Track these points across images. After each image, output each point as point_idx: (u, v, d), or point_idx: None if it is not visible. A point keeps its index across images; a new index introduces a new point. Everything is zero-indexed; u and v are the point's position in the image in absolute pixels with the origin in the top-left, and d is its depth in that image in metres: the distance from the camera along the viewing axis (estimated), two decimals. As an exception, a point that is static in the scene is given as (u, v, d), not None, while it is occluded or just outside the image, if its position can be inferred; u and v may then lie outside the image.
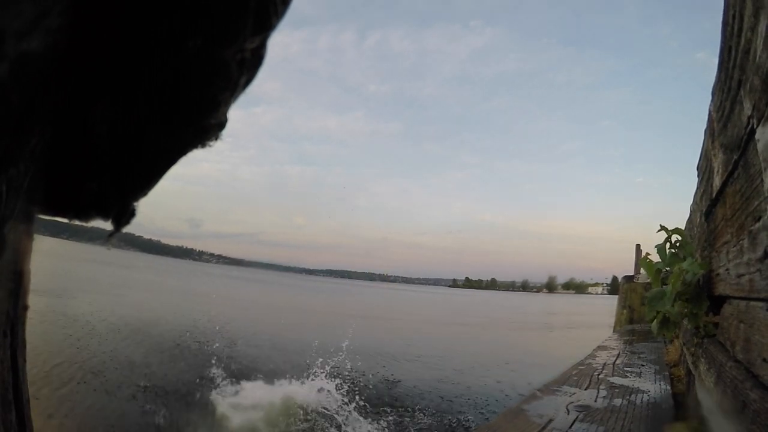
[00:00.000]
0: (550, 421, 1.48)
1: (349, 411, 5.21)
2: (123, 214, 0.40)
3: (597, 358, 2.94)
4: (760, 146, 0.79)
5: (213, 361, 6.73)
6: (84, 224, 0.41)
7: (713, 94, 1.36)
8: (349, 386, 6.10)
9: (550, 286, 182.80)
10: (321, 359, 7.91)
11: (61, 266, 22.01)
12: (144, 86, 0.34)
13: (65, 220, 0.40)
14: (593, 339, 5.47)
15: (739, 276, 0.96)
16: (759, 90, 0.77)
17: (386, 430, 4.81)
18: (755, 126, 0.81)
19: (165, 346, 7.67)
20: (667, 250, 1.78)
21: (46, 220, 0.39)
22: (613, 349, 3.55)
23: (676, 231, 1.78)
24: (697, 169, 2.10)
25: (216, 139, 0.41)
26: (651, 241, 1.92)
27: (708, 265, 1.43)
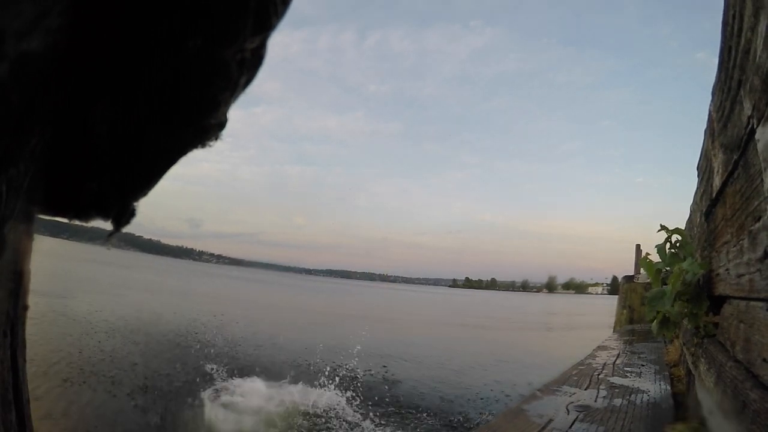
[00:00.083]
0: (550, 421, 1.48)
1: (349, 411, 5.21)
2: (123, 214, 0.40)
3: (597, 358, 2.94)
4: (760, 146, 0.79)
5: (212, 361, 6.74)
6: (84, 224, 0.41)
7: (713, 94, 1.36)
8: (349, 386, 6.10)
9: (550, 286, 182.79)
10: (321, 359, 7.91)
11: (61, 266, 22.02)
12: (144, 86, 0.34)
13: (65, 220, 0.40)
14: (593, 339, 5.47)
15: (739, 276, 0.96)
16: (759, 90, 0.77)
17: (386, 430, 4.81)
18: (755, 126, 0.81)
19: (165, 346, 7.67)
20: (668, 250, 1.78)
21: (46, 220, 0.39)
22: (613, 349, 3.55)
23: (677, 231, 1.78)
24: (697, 169, 2.10)
25: (216, 139, 0.41)
26: (651, 241, 1.92)
27: (708, 265, 1.43)
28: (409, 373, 7.46)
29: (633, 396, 1.90)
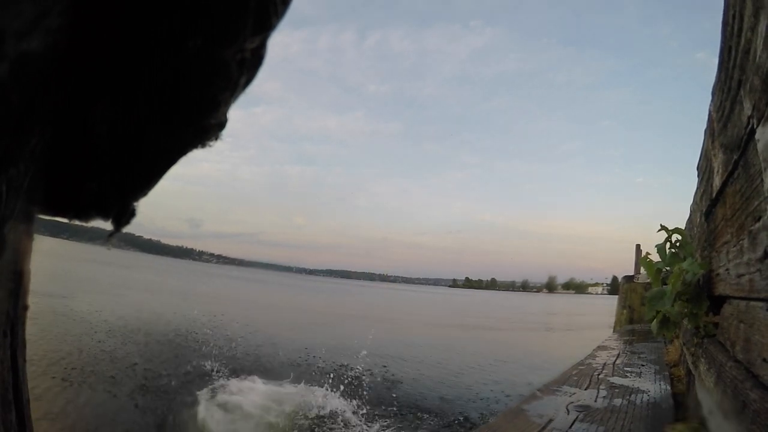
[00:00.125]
0: (550, 421, 1.48)
1: (350, 411, 5.22)
2: (123, 214, 0.40)
3: (597, 358, 2.94)
4: (760, 146, 0.79)
5: (212, 361, 6.74)
6: (84, 224, 0.41)
7: (713, 94, 1.36)
8: (349, 386, 6.10)
9: (550, 286, 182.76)
10: (321, 359, 7.91)
11: (61, 266, 22.01)
12: (144, 86, 0.34)
13: (65, 220, 0.40)
14: (593, 339, 5.47)
15: (739, 276, 0.96)
16: (759, 90, 0.77)
17: (386, 430, 4.81)
18: (755, 126, 0.81)
19: (165, 346, 7.67)
20: (668, 250, 1.78)
21: (46, 220, 0.39)
22: (613, 349, 3.55)
23: (677, 231, 1.78)
24: (697, 169, 2.10)
25: (216, 139, 0.41)
26: (651, 241, 1.92)
27: (708, 265, 1.43)
28: (409, 373, 7.46)
29: (633, 396, 1.90)
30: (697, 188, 2.14)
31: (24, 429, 0.37)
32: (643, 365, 2.75)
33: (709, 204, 1.49)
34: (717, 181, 1.28)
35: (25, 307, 0.37)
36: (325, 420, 4.92)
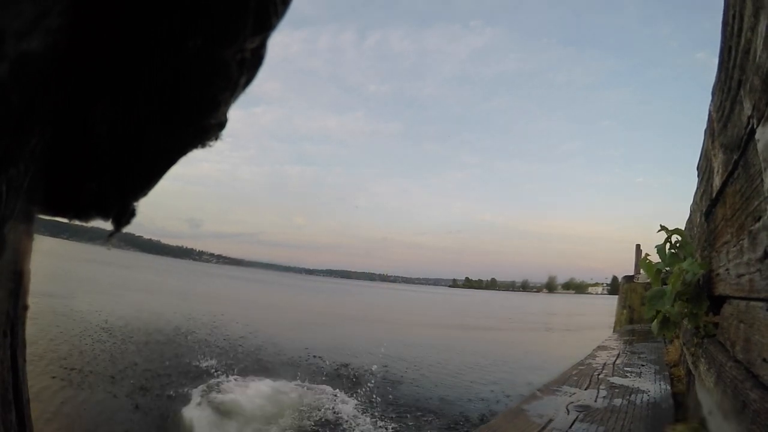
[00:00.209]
0: (550, 421, 1.49)
1: (350, 411, 5.22)
2: (123, 214, 0.40)
3: (597, 358, 2.94)
4: (760, 146, 0.79)
5: (212, 361, 6.74)
6: (84, 224, 0.41)
7: (713, 94, 1.36)
8: (349, 386, 6.11)
9: (550, 286, 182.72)
10: (321, 359, 7.91)
11: (61, 266, 22.01)
12: (144, 86, 0.34)
13: (65, 220, 0.40)
14: (593, 339, 5.47)
15: (739, 276, 0.96)
16: (759, 90, 0.77)
17: (386, 430, 4.81)
18: (755, 126, 0.81)
19: (165, 346, 7.67)
20: (667, 251, 1.78)
21: (46, 220, 0.39)
22: (613, 349, 3.55)
23: (676, 231, 1.78)
24: (697, 169, 2.10)
25: (216, 139, 0.41)
26: (651, 241, 1.92)
27: (708, 265, 1.43)
28: (409, 373, 7.46)
29: (633, 396, 1.90)
30: (697, 188, 2.14)
31: (24, 429, 0.37)
32: (643, 365, 2.75)
33: (709, 204, 1.49)
34: (717, 181, 1.28)
35: (25, 307, 0.37)
36: (326, 420, 4.92)
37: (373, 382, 6.49)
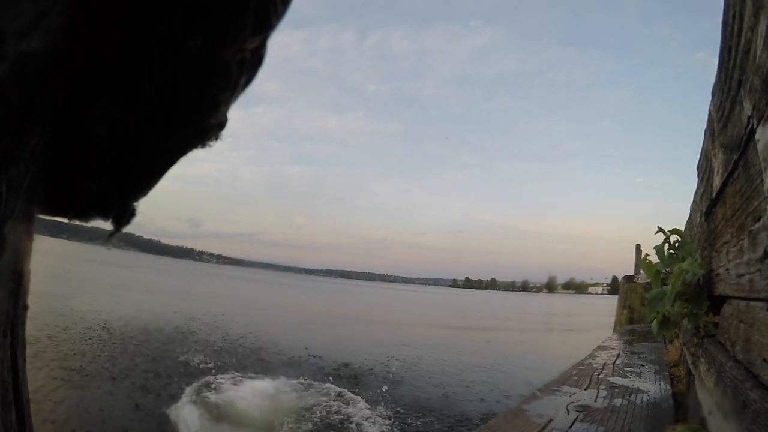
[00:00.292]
0: (550, 421, 1.49)
1: (350, 410, 5.21)
2: (123, 214, 0.40)
3: (597, 358, 2.94)
4: (760, 146, 0.79)
5: (212, 361, 6.74)
6: (84, 224, 0.41)
7: (713, 94, 1.36)
8: (349, 386, 6.11)
9: (550, 286, 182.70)
10: (322, 359, 7.91)
11: (61, 266, 22.02)
12: (144, 86, 0.34)
13: (65, 220, 0.40)
14: (593, 339, 5.47)
15: (739, 276, 0.96)
16: (759, 90, 0.77)
17: (387, 429, 4.81)
18: (755, 126, 0.81)
19: (165, 346, 7.67)
20: (666, 251, 1.77)
21: (46, 220, 0.39)
22: (613, 349, 3.55)
23: (675, 231, 1.78)
24: (697, 169, 2.10)
25: (216, 139, 0.41)
26: (651, 241, 1.92)
27: (708, 265, 1.43)
28: (410, 373, 7.46)
29: (633, 396, 1.90)
30: (697, 188, 2.14)
31: (24, 429, 0.37)
32: (643, 365, 2.75)
33: (709, 204, 1.49)
34: (717, 181, 1.28)
35: (25, 307, 0.37)
36: (326, 420, 4.92)
37: (373, 382, 6.50)
